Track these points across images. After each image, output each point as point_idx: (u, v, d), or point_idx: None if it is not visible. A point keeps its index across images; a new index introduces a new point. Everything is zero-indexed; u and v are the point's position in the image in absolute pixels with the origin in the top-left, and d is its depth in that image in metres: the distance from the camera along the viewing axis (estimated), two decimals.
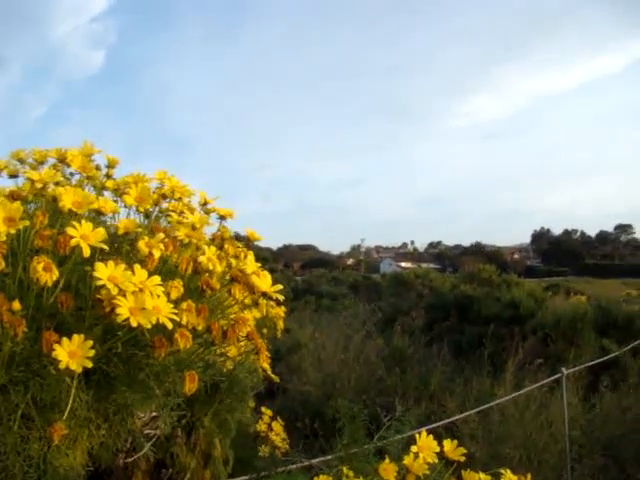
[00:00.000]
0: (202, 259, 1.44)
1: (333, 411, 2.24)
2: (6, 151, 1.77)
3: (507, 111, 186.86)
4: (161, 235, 1.44)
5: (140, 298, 1.17)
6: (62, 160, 1.69)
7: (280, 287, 1.52)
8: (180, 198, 1.73)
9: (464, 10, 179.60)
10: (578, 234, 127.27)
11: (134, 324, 1.13)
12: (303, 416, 6.08)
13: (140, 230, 1.49)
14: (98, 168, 1.74)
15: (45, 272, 1.15)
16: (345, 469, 1.76)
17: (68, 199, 1.34)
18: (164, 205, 1.71)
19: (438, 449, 1.75)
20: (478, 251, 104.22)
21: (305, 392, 7.26)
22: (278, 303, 1.70)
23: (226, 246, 1.61)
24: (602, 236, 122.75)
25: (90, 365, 1.11)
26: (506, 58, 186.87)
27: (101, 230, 1.27)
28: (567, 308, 9.29)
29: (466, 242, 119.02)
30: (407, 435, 1.97)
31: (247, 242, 1.77)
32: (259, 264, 1.62)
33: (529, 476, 1.88)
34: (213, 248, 1.51)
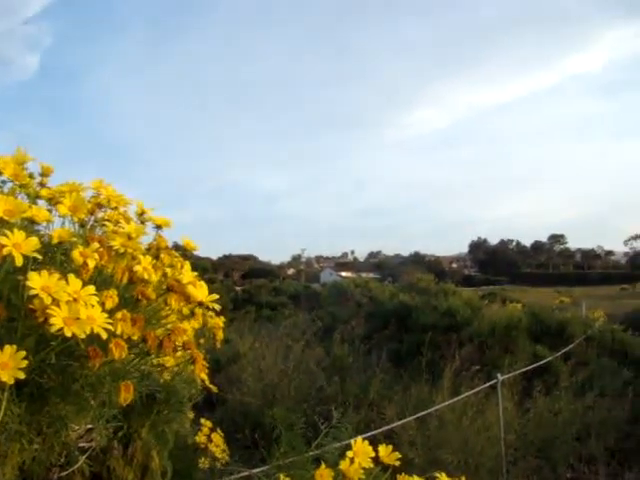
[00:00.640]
0: (138, 268, 1.43)
1: (272, 420, 2.24)
2: None
3: (448, 124, 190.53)
4: (96, 245, 1.42)
5: (74, 308, 1.16)
6: None
7: (216, 297, 1.52)
8: (116, 207, 1.71)
9: (407, 24, 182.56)
10: (514, 244, 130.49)
11: (68, 334, 1.12)
12: (243, 427, 6.05)
13: (75, 239, 1.47)
14: (31, 176, 1.71)
15: None
16: (282, 475, 1.77)
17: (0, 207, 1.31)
18: (100, 214, 1.69)
19: (374, 454, 1.77)
20: (417, 261, 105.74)
21: (245, 402, 7.22)
22: (217, 313, 1.70)
23: (162, 256, 1.61)
24: (537, 246, 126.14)
25: (22, 376, 1.09)
26: (448, 71, 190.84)
27: (34, 239, 1.25)
28: (502, 316, 9.49)
29: (405, 252, 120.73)
30: (345, 443, 1.98)
31: (184, 252, 1.76)
32: (196, 274, 1.62)
33: (463, 479, 1.92)
34: (149, 258, 1.51)
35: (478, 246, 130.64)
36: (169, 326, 1.51)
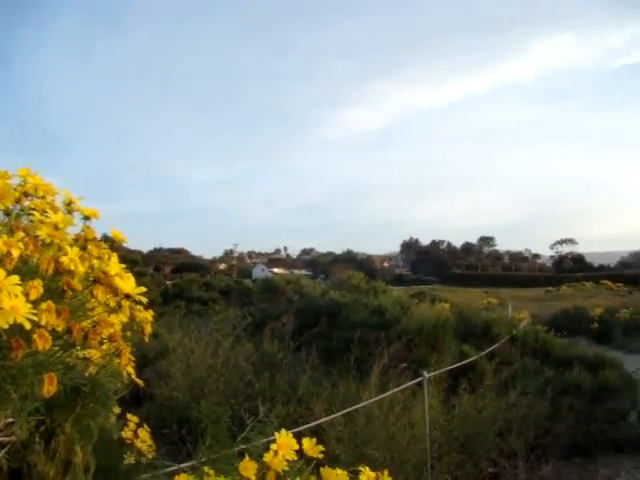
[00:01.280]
0: (64, 259, 1.41)
1: (198, 415, 2.24)
2: None
3: (382, 124, 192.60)
4: (21, 234, 1.40)
5: None
6: None
7: (144, 290, 1.51)
8: (43, 196, 1.68)
9: (347, 25, 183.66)
10: (445, 245, 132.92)
11: None
12: (171, 422, 5.98)
13: None
14: None
15: None
16: (206, 468, 1.77)
17: None
18: (26, 203, 1.66)
19: (297, 447, 1.80)
20: (350, 259, 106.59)
21: (173, 398, 7.14)
22: (146, 307, 1.69)
23: (89, 247, 1.59)
24: (467, 247, 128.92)
25: None
26: (382, 72, 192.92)
27: None
28: (430, 315, 9.66)
29: (338, 250, 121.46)
30: (272, 438, 2.00)
31: (112, 244, 1.74)
32: (124, 266, 1.61)
33: (386, 472, 1.96)
34: (76, 249, 1.49)
35: (410, 246, 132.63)
36: (95, 318, 1.49)
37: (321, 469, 1.75)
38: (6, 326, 1.12)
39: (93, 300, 1.47)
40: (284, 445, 1.76)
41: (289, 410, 6.30)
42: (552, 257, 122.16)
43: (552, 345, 9.69)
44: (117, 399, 1.81)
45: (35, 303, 1.24)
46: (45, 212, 1.61)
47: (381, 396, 5.74)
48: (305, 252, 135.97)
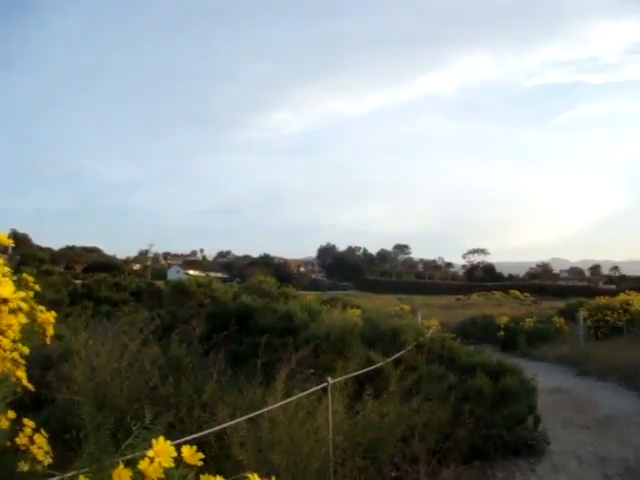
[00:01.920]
0: None
1: (79, 420, 2.21)
2: None
3: (303, 129, 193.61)
4: None
5: None
6: None
7: (22, 295, 1.49)
8: None
9: (272, 29, 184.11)
10: (361, 251, 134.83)
11: None
12: (71, 427, 5.84)
13: None
14: None
15: None
16: (82, 476, 1.75)
17: None
18: None
19: (175, 454, 1.78)
20: (266, 263, 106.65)
21: (75, 402, 6.96)
22: (49, 308, 1.66)
23: None
24: (382, 254, 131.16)
25: None
26: (308, 78, 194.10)
27: None
28: (340, 321, 9.74)
29: (255, 253, 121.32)
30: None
31: None
32: (6, 269, 1.57)
33: (273, 478, 1.98)
34: None
35: (326, 251, 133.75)
36: None
37: (201, 476, 1.75)
38: None
39: None
40: (161, 452, 1.74)
41: (192, 415, 6.26)
42: (464, 266, 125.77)
43: (457, 352, 9.93)
44: (14, 403, 1.77)
45: None
46: None
47: (285, 401, 5.77)
48: (222, 255, 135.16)
